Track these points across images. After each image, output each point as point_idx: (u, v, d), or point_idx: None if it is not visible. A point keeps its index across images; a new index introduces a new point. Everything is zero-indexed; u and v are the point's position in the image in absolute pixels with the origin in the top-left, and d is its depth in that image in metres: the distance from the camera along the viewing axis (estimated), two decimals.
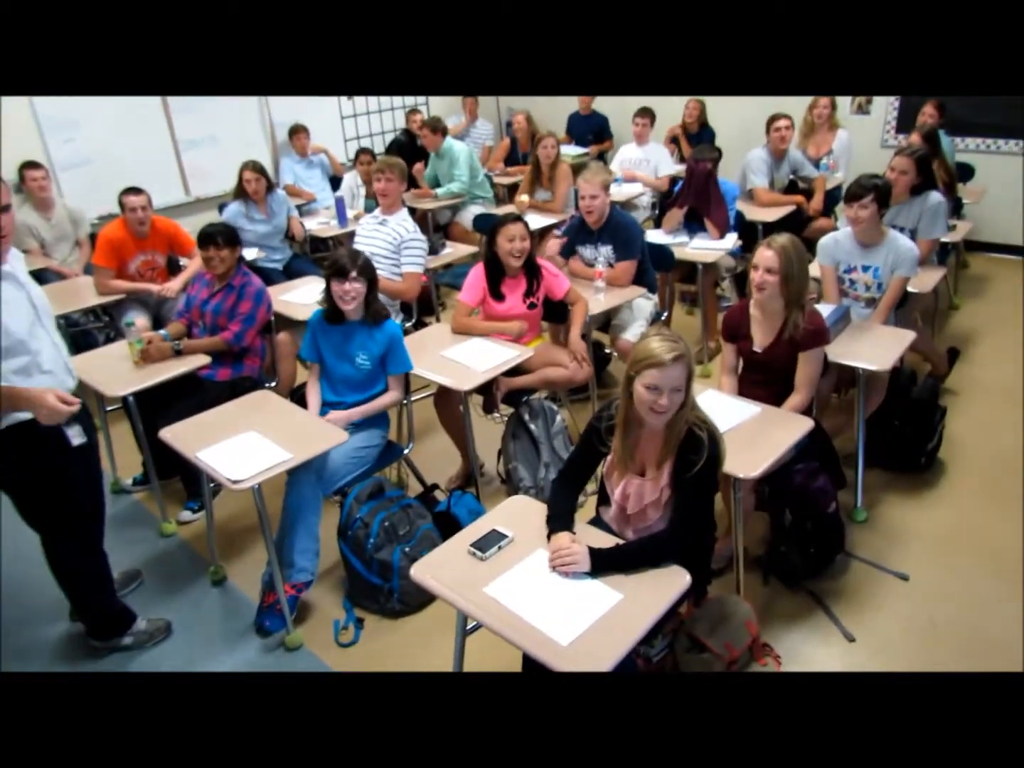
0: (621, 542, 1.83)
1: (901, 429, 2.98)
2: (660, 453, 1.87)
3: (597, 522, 2.05)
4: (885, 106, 5.78)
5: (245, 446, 2.32)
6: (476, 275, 3.13)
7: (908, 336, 2.83)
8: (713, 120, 5.85)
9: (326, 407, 2.71)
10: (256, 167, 4.32)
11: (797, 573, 2.48)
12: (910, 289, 3.15)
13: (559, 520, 1.86)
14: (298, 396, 2.93)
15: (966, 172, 5.04)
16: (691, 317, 4.50)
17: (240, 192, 4.37)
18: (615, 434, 1.91)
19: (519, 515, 1.96)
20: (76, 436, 2.05)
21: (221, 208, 4.96)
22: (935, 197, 3.51)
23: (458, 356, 2.87)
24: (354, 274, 2.60)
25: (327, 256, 4.23)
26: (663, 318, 3.86)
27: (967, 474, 3.07)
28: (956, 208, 4.32)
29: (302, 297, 3.56)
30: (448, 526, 2.47)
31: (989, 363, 3.99)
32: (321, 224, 4.85)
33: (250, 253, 4.18)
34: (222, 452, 2.28)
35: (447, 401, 2.98)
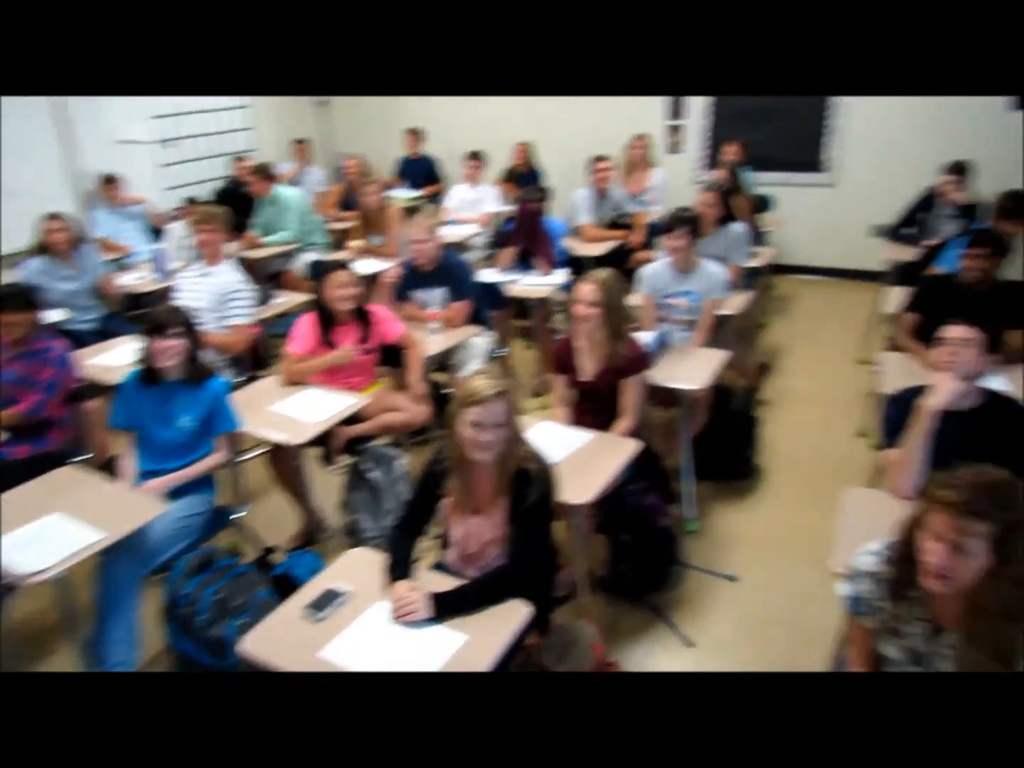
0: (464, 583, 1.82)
1: (722, 442, 3.21)
2: (494, 491, 1.88)
3: (440, 566, 2.02)
4: (696, 144, 6.34)
5: (46, 531, 2.07)
6: (306, 324, 3.04)
7: (722, 355, 3.07)
8: (540, 161, 6.14)
9: (146, 476, 2.50)
10: (60, 218, 3.99)
11: (637, 589, 2.58)
12: (724, 312, 3.44)
13: (397, 568, 1.82)
14: (113, 468, 2.68)
15: (764, 203, 5.60)
16: (530, 351, 4.64)
17: (42, 247, 4.00)
18: (451, 476, 1.91)
19: (360, 568, 1.90)
20: None
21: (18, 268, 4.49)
22: (737, 228, 3.89)
23: (290, 409, 2.76)
24: (174, 330, 2.46)
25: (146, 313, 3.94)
26: (503, 353, 3.94)
27: (783, 475, 3.36)
28: (758, 236, 4.79)
29: (117, 359, 3.28)
30: (288, 590, 2.32)
31: (795, 373, 4.43)
32: (138, 279, 4.53)
33: (56, 314, 3.82)
34: (15, 541, 2.03)
35: (282, 457, 2.84)
